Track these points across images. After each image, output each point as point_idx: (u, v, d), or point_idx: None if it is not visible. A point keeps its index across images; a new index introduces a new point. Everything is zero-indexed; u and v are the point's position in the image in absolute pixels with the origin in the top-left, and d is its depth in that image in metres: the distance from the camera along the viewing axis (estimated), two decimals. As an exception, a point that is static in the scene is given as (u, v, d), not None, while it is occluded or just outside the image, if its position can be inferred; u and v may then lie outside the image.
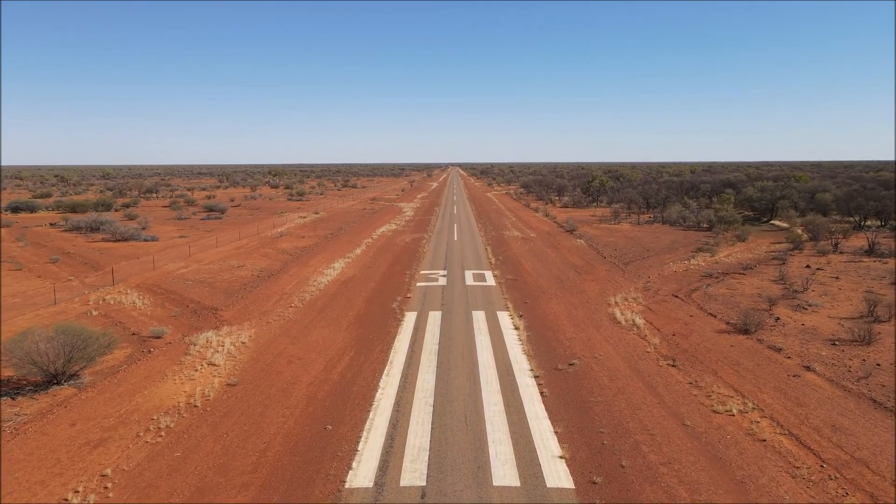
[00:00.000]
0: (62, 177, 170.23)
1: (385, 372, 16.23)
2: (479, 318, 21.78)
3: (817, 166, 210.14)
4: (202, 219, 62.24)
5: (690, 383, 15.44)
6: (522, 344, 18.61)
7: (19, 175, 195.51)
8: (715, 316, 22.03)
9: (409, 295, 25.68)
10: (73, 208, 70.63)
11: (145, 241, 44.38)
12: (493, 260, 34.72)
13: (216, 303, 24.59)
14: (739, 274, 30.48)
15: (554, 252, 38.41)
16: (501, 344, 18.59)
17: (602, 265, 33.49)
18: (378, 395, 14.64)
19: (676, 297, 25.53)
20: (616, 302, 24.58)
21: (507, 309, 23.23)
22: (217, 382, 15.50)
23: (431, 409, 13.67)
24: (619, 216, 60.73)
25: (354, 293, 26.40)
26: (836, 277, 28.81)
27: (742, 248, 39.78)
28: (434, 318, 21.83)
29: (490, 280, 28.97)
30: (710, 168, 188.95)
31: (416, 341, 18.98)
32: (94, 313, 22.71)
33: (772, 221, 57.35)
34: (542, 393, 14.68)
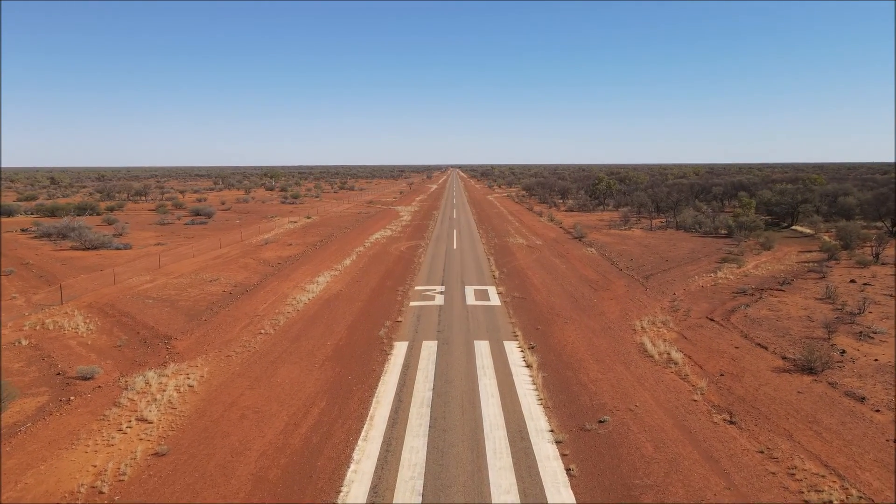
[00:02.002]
0: (54, 178, 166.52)
1: (362, 435, 12.54)
2: (482, 350, 18.09)
3: (820, 168, 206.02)
4: (186, 224, 58.62)
5: (761, 452, 11.75)
6: (537, 390, 14.91)
7: (12, 177, 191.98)
8: (766, 348, 18.34)
9: (399, 318, 22.00)
10: (53, 212, 67.07)
11: (117, 249, 40.72)
12: (496, 273, 31.03)
13: (173, 328, 20.91)
14: (777, 290, 26.81)
15: (563, 263, 34.73)
16: (511, 390, 14.90)
17: (619, 279, 29.81)
18: (350, 474, 10.96)
19: (712, 320, 21.86)
20: (643, 327, 20.91)
21: (515, 338, 19.54)
22: (141, 451, 11.82)
23: (420, 500, 9.98)
24: (629, 221, 57.11)
25: (337, 315, 22.72)
26: (891, 295, 25.14)
27: (769, 258, 36.13)
28: (428, 350, 18.14)
29: (494, 298, 25.29)
30: (712, 170, 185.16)
31: (404, 386, 15.28)
32: (24, 343, 19.05)
33: (793, 227, 53.65)
34: (568, 470, 10.99)
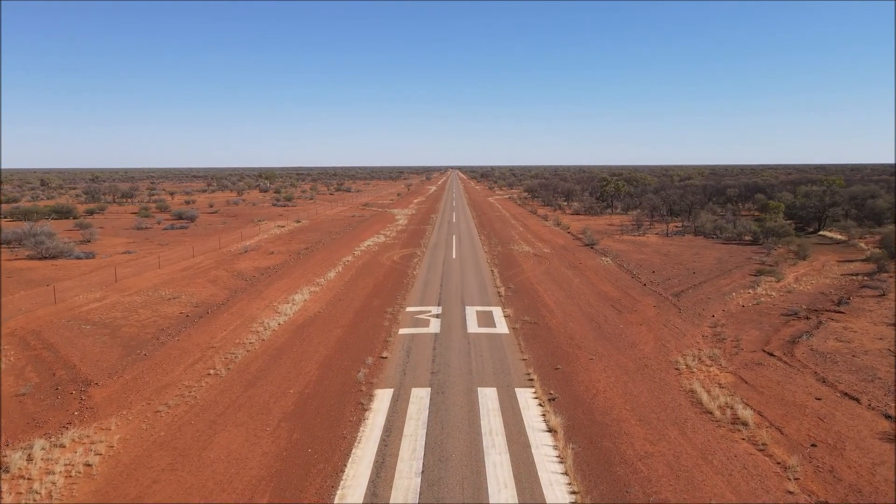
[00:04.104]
0: (43, 180, 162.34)
1: (311, 567, 8.34)
2: (488, 404, 13.89)
3: (822, 169, 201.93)
4: (165, 228, 54.47)
5: None
6: (568, 475, 10.70)
7: (5, 179, 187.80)
8: (857, 399, 14.15)
9: (385, 353, 17.77)
10: (25, 216, 62.99)
11: (77, 258, 36.53)
12: (501, 289, 26.82)
13: (99, 368, 16.70)
14: (835, 312, 22.63)
15: (577, 276, 30.54)
16: (531, 475, 10.69)
17: (645, 296, 25.62)
18: None
19: (771, 355, 17.67)
20: (688, 365, 16.73)
21: (530, 383, 15.33)
22: None
23: None
24: (642, 226, 52.95)
25: (309, 348, 18.53)
26: (977, 320, 20.97)
27: (807, 269, 31.99)
28: (418, 403, 13.94)
29: (500, 323, 21.08)
30: (714, 171, 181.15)
31: (383, 465, 11.07)
32: None
33: (820, 232, 49.47)
34: None
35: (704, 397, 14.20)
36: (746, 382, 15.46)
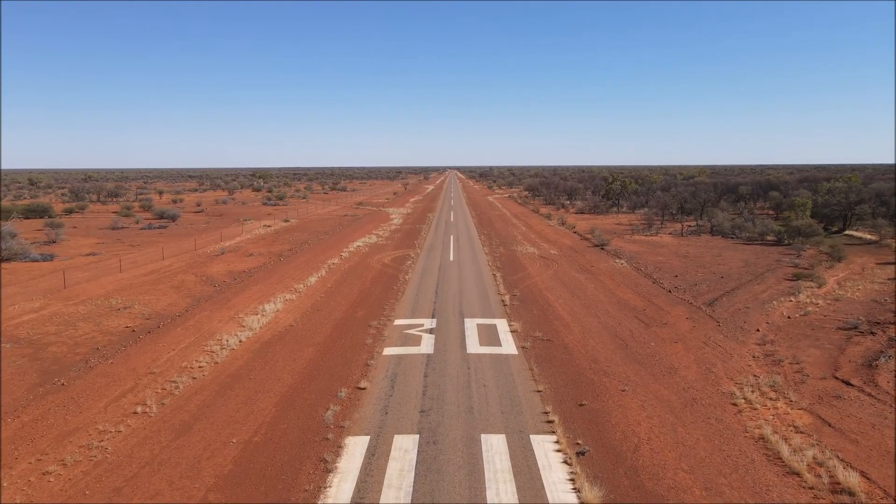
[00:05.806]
0: (31, 180, 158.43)
1: None
2: (496, 462, 10.28)
3: (823, 168, 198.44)
4: (142, 228, 50.83)
5: None
6: None
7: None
8: None
9: (363, 382, 14.14)
10: (-5, 215, 59.38)
11: (33, 261, 32.92)
12: (506, 297, 23.21)
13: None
14: (902, 325, 19.09)
15: (591, 281, 26.96)
16: None
17: (673, 306, 22.06)
18: None
19: (848, 383, 14.12)
20: (746, 398, 13.15)
21: (549, 427, 11.72)
22: None
23: None
24: (653, 225, 49.41)
25: (270, 374, 14.91)
26: None
27: (848, 272, 28.52)
28: (401, 460, 10.33)
29: (506, 341, 17.48)
30: (716, 171, 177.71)
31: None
32: None
33: (845, 232, 45.95)
34: None
35: (784, 450, 10.63)
36: (830, 425, 11.88)
